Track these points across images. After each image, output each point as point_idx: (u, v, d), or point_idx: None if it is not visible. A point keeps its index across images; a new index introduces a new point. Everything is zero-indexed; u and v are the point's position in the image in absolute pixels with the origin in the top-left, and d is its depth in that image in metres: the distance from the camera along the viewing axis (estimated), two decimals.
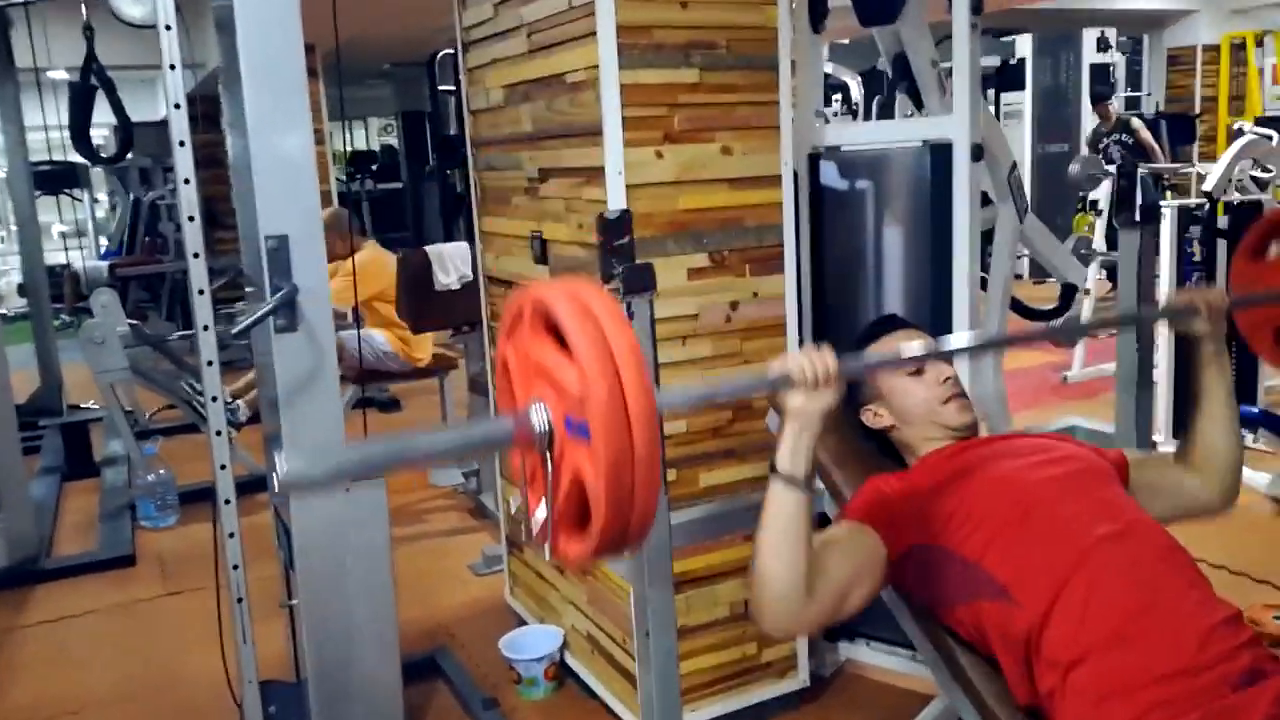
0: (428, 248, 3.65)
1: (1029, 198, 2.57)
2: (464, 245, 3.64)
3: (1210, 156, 9.89)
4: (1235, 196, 3.98)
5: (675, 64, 2.08)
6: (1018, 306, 2.67)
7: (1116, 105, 8.80)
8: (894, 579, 1.52)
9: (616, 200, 2.04)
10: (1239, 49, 9.84)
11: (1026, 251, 2.96)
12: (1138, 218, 1.83)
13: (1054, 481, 1.49)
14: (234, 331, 2.00)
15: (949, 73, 2.24)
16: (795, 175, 2.23)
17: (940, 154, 2.20)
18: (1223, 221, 3.95)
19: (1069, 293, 2.74)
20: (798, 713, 2.46)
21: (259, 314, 2.00)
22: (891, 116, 2.58)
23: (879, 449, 1.72)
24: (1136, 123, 8.11)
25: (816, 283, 2.31)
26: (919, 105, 2.40)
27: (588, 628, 2.52)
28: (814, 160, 2.36)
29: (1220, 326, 1.64)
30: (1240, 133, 3.88)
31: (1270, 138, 3.86)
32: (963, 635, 1.50)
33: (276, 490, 1.01)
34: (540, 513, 1.14)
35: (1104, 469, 1.56)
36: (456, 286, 3.55)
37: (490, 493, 3.98)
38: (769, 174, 2.20)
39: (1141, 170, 6.06)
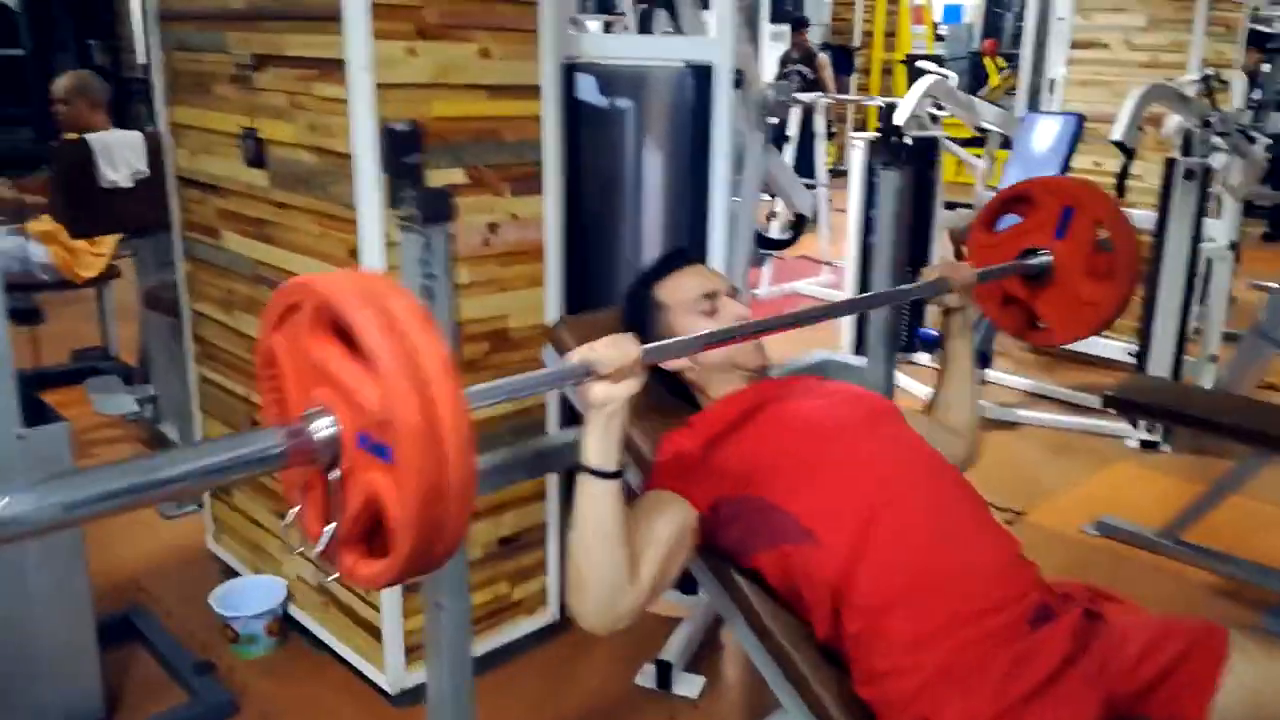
0: (90, 136, 3.06)
1: None
2: (135, 135, 3.09)
3: (866, 88, 10.80)
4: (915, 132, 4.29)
5: None
6: (759, 239, 2.70)
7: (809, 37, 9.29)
8: (702, 536, 1.47)
9: (362, 101, 1.78)
10: None
11: None
12: (895, 157, 1.88)
13: (851, 423, 1.50)
14: None
15: None
16: None
17: (702, 77, 2.13)
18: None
19: (800, 221, 2.82)
20: (550, 645, 2.41)
21: None
22: (649, 30, 2.48)
23: (669, 390, 1.66)
24: (823, 58, 8.60)
25: (571, 205, 2.18)
26: (675, 21, 2.31)
27: (321, 580, 2.30)
28: (569, 71, 2.20)
29: (968, 299, 1.76)
30: (921, 73, 4.16)
31: (947, 77, 4.19)
32: (766, 579, 1.49)
33: None
34: (325, 532, 1.00)
35: (891, 408, 1.60)
36: (128, 184, 3.01)
37: (170, 421, 3.53)
38: (528, 83, 2.02)
39: (821, 100, 6.44)
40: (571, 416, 2.15)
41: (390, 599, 2.08)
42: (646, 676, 2.29)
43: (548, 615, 2.41)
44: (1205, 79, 3.72)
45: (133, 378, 3.91)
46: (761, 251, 2.89)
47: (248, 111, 2.10)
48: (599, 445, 1.27)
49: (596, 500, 1.29)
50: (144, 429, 3.62)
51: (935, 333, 3.96)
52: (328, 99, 1.87)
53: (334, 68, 1.82)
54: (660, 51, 2.19)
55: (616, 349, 1.23)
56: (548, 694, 2.26)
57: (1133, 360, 3.99)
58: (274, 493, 2.37)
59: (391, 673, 2.14)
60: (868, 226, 4.42)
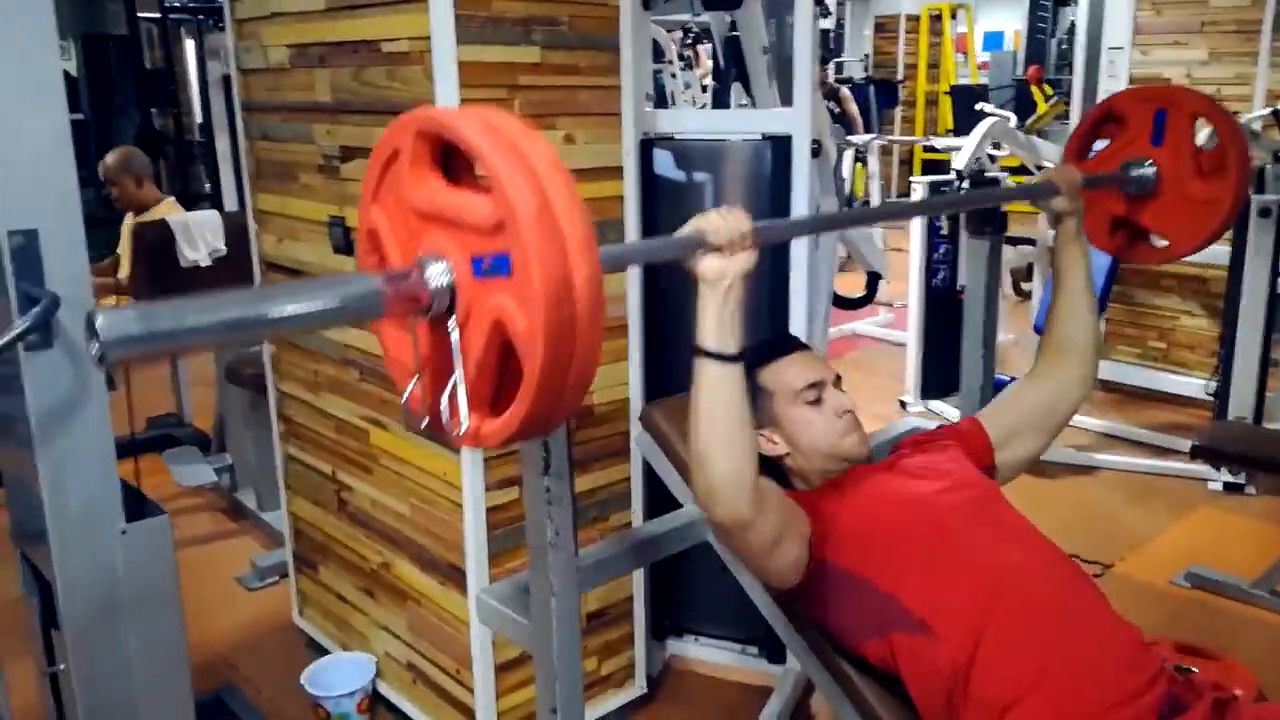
0: (169, 218, 3.14)
1: None
2: (213, 215, 3.17)
3: (910, 120, 10.77)
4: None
5: (516, 40, 1.85)
6: (836, 299, 2.69)
7: (831, 71, 9.30)
8: (799, 590, 1.45)
9: None
10: (936, 19, 10.69)
11: None
12: (986, 226, 1.86)
13: (956, 508, 1.48)
14: None
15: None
16: None
17: (779, 148, 2.13)
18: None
19: (874, 281, 2.81)
20: (639, 718, 2.39)
21: (10, 335, 1.59)
22: (725, 104, 2.49)
23: (766, 472, 1.64)
24: (845, 92, 8.60)
25: (650, 280, 2.18)
26: (750, 93, 2.32)
27: (409, 657, 2.30)
28: (646, 147, 2.21)
29: (1078, 204, 1.70)
30: (982, 115, 4.14)
31: (1008, 119, 4.16)
32: (872, 663, 1.46)
33: (96, 354, 0.75)
34: (446, 392, 0.95)
35: (991, 488, 1.57)
36: (207, 263, 3.09)
37: (248, 489, 3.59)
38: (611, 165, 2.04)
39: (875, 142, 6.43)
40: (655, 496, 2.15)
41: (483, 676, 2.08)
42: None
43: (635, 689, 2.39)
44: (1275, 112, 3.65)
45: (209, 446, 3.98)
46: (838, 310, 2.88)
47: (335, 200, 2.13)
48: (716, 325, 1.24)
49: (719, 385, 1.25)
50: (222, 497, 3.68)
51: (1007, 378, 3.91)
52: None
53: None
54: (739, 125, 2.20)
55: (729, 218, 1.20)
56: None
57: (1211, 398, 3.91)
58: (359, 568, 2.39)
59: None
60: (929, 270, 4.40)
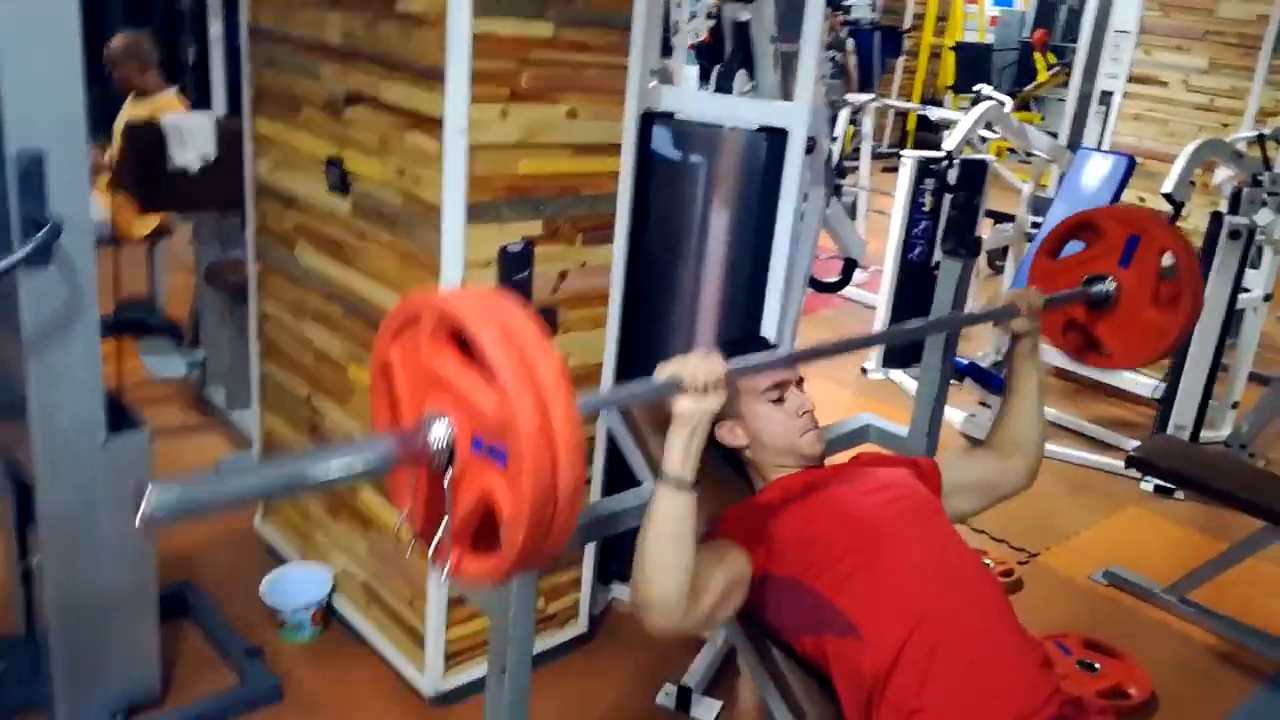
0: (164, 118, 3.13)
1: None
2: (206, 120, 3.16)
3: (912, 72, 10.69)
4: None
5: (531, 14, 1.88)
6: (812, 281, 2.77)
7: (840, 16, 9.15)
8: (749, 596, 1.57)
9: (455, 160, 1.85)
10: None
11: None
12: (962, 248, 1.94)
13: (897, 521, 1.59)
14: None
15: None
16: None
17: (775, 141, 2.19)
18: (952, 176, 4.30)
19: (850, 266, 2.89)
20: (578, 656, 2.54)
21: (11, 259, 1.64)
22: (729, 89, 2.52)
23: (723, 460, 1.75)
24: (850, 44, 8.47)
25: (635, 251, 2.25)
26: (753, 80, 2.36)
27: (366, 578, 2.42)
28: (646, 122, 2.25)
29: (1036, 324, 1.82)
30: (980, 97, 4.18)
31: (1004, 104, 4.20)
32: (805, 662, 1.59)
33: (137, 525, 0.88)
34: (435, 528, 1.07)
35: (933, 504, 1.69)
36: (196, 167, 3.09)
37: (217, 385, 3.66)
38: (610, 141, 2.08)
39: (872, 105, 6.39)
40: (615, 456, 2.25)
41: (436, 608, 2.20)
42: (667, 697, 2.42)
43: (578, 628, 2.53)
44: (1260, 137, 3.73)
45: (178, 335, 4.03)
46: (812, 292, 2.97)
47: (335, 141, 2.17)
48: (681, 457, 1.36)
49: (673, 510, 1.37)
50: (191, 391, 3.74)
51: (965, 361, 4.04)
52: (420, 150, 1.94)
53: (429, 123, 1.89)
54: (738, 112, 2.24)
55: (704, 365, 1.31)
56: (573, 705, 2.39)
57: (1156, 402, 4.07)
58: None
59: (430, 676, 2.27)
60: (908, 243, 4.48)
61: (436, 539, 1.06)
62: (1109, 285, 1.97)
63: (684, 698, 2.40)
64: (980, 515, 3.33)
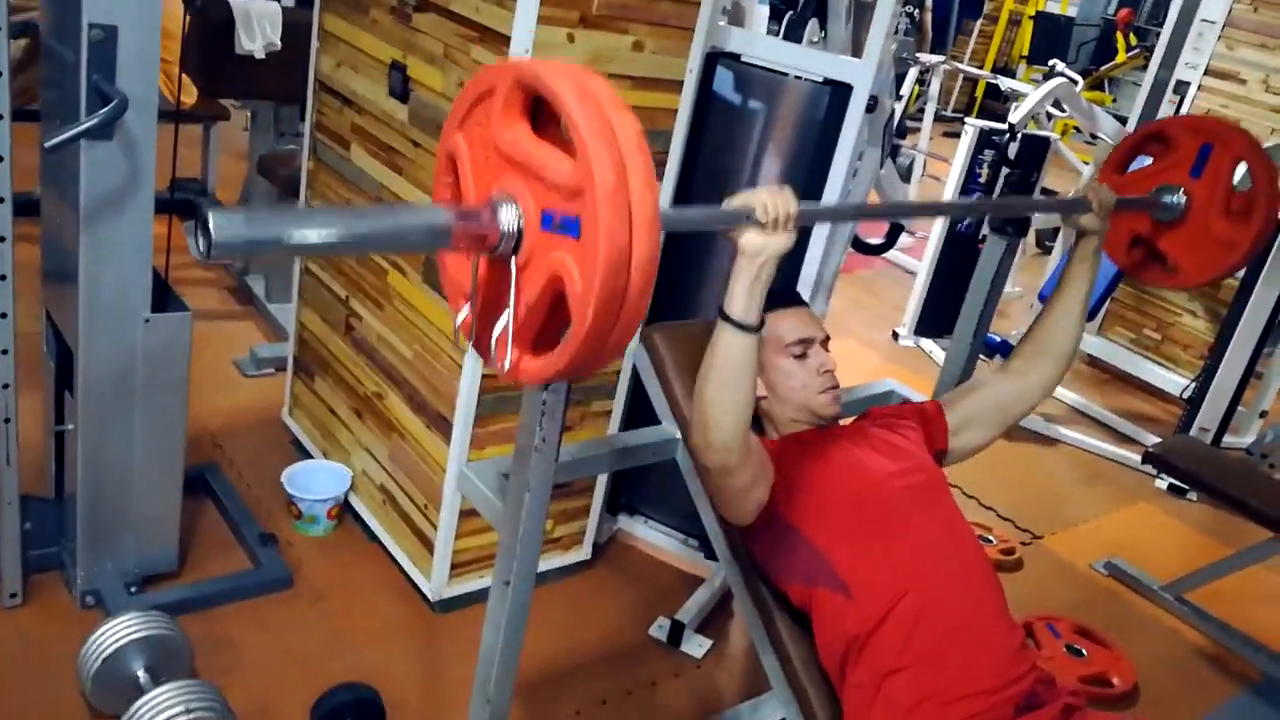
0: (234, 1, 3.13)
1: None
2: (275, 7, 3.15)
3: (988, 36, 10.42)
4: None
5: None
6: (855, 242, 2.76)
7: None
8: (748, 528, 1.60)
9: None
10: None
11: None
12: (1009, 225, 1.93)
13: (904, 493, 1.62)
14: (47, 145, 1.66)
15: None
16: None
17: (838, 96, 2.17)
18: (1012, 150, 4.23)
19: (896, 230, 2.87)
20: (579, 579, 2.61)
21: (76, 129, 1.67)
22: (799, 38, 2.48)
23: None
24: (929, 1, 8.28)
25: (681, 193, 2.25)
26: (824, 32, 2.33)
27: (384, 480, 2.49)
28: (710, 61, 2.24)
29: (1105, 224, 1.77)
30: (1052, 72, 4.08)
31: (1075, 82, 4.11)
32: (792, 602, 1.64)
33: (203, 251, 0.88)
34: (497, 324, 1.04)
35: (938, 478, 1.71)
36: (261, 55, 3.09)
37: (259, 277, 3.71)
38: (673, 78, 2.07)
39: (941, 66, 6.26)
40: (639, 392, 2.29)
41: (449, 517, 2.26)
42: (660, 629, 2.48)
43: (581, 554, 2.60)
44: None
45: None
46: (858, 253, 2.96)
47: (401, 45, 2.17)
48: (745, 297, 1.33)
49: (735, 350, 1.37)
50: (232, 278, 3.80)
51: (998, 338, 4.02)
52: (483, 64, 1.94)
53: (496, 38, 1.88)
54: (805, 63, 2.21)
55: (778, 198, 1.26)
56: (570, 625, 2.46)
57: (1184, 401, 4.04)
58: (354, 390, 2.54)
59: (435, 581, 2.34)
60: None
61: (497, 332, 1.01)
62: (1179, 196, 1.91)
63: (676, 632, 2.46)
64: (990, 492, 3.35)
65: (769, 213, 1.25)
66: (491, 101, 1.01)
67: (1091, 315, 4.07)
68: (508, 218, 0.97)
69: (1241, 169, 1.91)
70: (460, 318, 1.09)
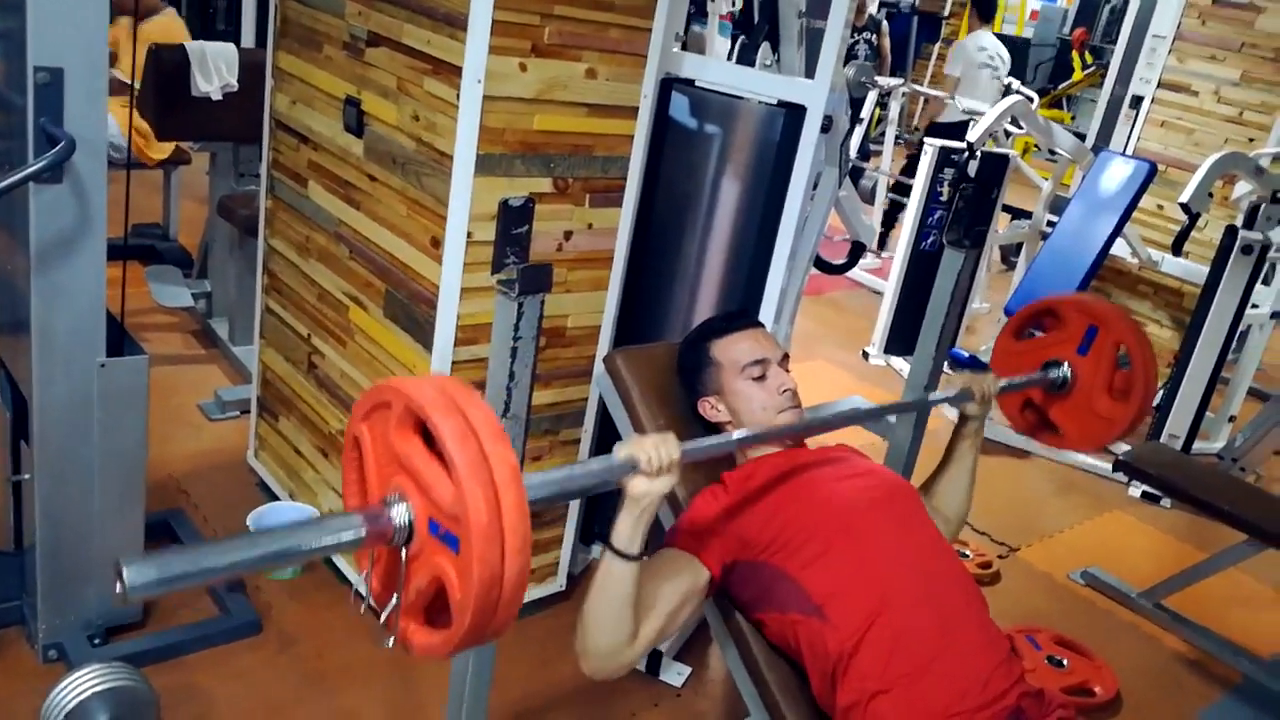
0: (189, 45, 3.12)
1: None
2: (230, 48, 3.15)
3: (944, 59, 10.57)
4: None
5: None
6: (818, 262, 2.77)
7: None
8: (716, 589, 1.60)
9: (470, 110, 1.85)
10: None
11: None
12: (966, 239, 1.94)
13: (870, 508, 1.61)
14: None
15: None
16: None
17: (792, 117, 2.18)
18: (972, 168, 4.28)
19: (858, 250, 2.89)
20: (554, 612, 2.57)
21: (23, 173, 1.65)
22: (752, 62, 2.51)
23: (707, 432, 1.77)
24: (885, 26, 8.39)
25: (642, 218, 2.25)
26: (776, 55, 2.34)
27: None
28: (665, 86, 2.25)
29: (986, 410, 1.89)
30: (1008, 90, 4.14)
31: (1031, 99, 4.17)
32: (768, 636, 1.62)
33: (118, 596, 0.90)
34: (390, 597, 1.12)
35: (907, 491, 1.70)
36: (218, 96, 3.08)
37: (222, 319, 3.68)
38: (628, 104, 2.08)
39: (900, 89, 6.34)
40: (608, 417, 2.27)
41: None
42: None
43: (556, 585, 2.57)
44: None
45: (188, 264, 4.04)
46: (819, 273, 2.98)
47: (354, 80, 2.16)
48: (628, 531, 1.39)
49: (615, 577, 1.42)
50: (196, 321, 3.76)
51: (965, 354, 4.05)
52: (436, 96, 1.94)
53: (448, 70, 1.88)
54: (758, 86, 2.23)
55: (659, 450, 1.33)
56: (546, 659, 2.42)
57: (1152, 409, 4.07)
58: (319, 429, 2.51)
59: None
60: (921, 233, 4.47)
61: (388, 609, 1.11)
62: (1065, 371, 2.05)
63: (654, 662, 2.43)
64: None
65: (653, 463, 1.31)
66: (390, 412, 1.08)
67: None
68: (400, 516, 1.05)
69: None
70: (364, 577, 1.16)
